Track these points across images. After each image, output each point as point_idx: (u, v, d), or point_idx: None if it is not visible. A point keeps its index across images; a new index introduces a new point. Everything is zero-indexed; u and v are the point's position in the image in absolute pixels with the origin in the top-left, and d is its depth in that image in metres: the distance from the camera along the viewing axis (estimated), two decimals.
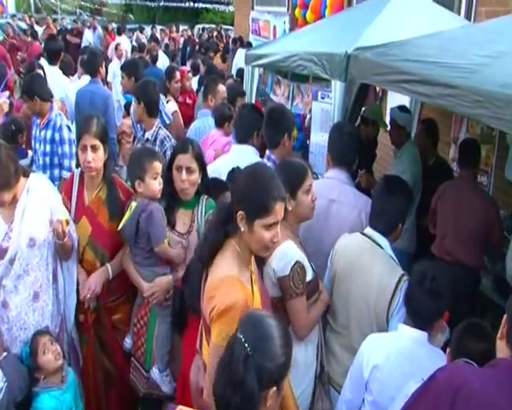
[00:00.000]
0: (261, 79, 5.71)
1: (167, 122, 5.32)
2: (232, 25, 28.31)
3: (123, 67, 5.42)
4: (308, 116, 6.78)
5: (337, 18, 4.68)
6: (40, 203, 2.88)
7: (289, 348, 1.66)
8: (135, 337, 3.08)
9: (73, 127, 6.08)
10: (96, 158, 2.94)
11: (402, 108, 4.44)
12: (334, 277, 2.68)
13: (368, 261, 2.56)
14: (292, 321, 2.47)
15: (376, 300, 2.50)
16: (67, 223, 2.81)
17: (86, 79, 6.71)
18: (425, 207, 4.16)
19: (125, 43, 12.95)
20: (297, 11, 10.43)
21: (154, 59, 9.84)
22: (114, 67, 9.54)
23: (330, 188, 2.95)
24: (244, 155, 3.69)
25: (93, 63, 6.04)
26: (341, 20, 4.36)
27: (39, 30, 16.69)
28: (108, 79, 9.93)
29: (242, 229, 2.02)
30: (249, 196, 2.01)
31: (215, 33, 18.50)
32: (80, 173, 3.11)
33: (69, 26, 18.82)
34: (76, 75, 7.70)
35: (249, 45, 12.32)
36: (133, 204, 2.91)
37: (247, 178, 2.08)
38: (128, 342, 3.12)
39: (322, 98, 3.65)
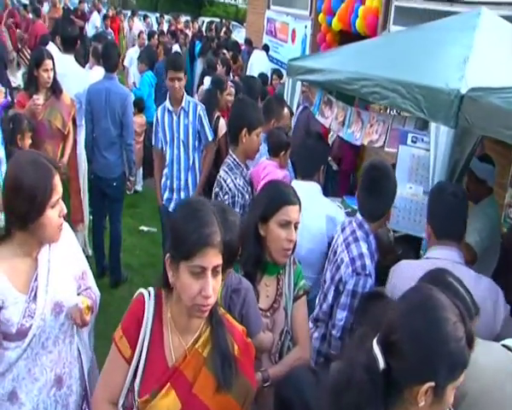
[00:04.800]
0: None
1: (209, 139, 4.72)
2: (236, 20, 27.88)
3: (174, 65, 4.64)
4: (334, 136, 6.22)
5: (409, 37, 4.03)
6: (66, 253, 2.20)
7: None
8: None
9: (83, 129, 5.44)
10: (217, 287, 1.72)
11: (483, 158, 3.68)
12: (462, 399, 2.03)
13: None
14: None
15: None
16: (89, 310, 2.16)
17: (99, 71, 6.00)
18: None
19: (139, 27, 12.38)
20: (321, 16, 9.82)
21: (169, 52, 9.19)
22: (133, 54, 8.92)
23: None
24: (309, 195, 3.09)
25: (112, 56, 5.24)
26: (419, 42, 3.71)
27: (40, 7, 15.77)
28: (125, 64, 9.38)
29: (422, 404, 1.32)
30: (448, 354, 1.30)
31: (224, 29, 17.70)
32: (157, 297, 1.80)
33: (71, 7, 17.86)
34: (87, 66, 6.95)
35: (266, 48, 11.69)
36: None
37: (435, 322, 1.32)
38: None
39: (414, 142, 2.98)
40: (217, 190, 3.30)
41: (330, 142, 6.26)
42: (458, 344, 1.32)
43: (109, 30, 12.37)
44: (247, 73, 10.26)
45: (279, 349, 2.36)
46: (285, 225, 2.31)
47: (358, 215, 2.91)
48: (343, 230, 2.93)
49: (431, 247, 2.47)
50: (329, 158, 5.78)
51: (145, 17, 17.37)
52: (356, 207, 4.29)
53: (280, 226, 2.31)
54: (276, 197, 2.36)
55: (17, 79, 11.19)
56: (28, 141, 4.26)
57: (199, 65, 12.29)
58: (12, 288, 2.01)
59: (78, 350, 2.27)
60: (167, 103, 4.71)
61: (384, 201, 2.83)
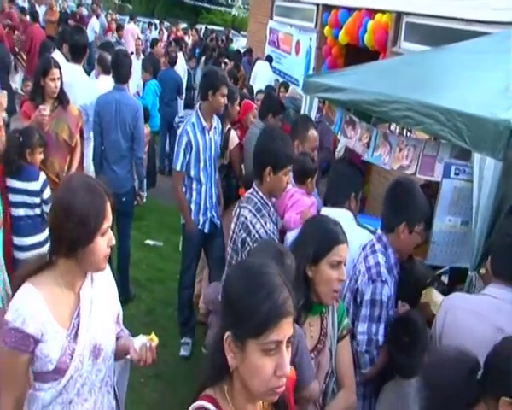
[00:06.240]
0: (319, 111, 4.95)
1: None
2: (233, 28, 27.84)
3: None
4: (341, 152, 6.10)
5: (438, 58, 3.91)
6: (107, 295, 2.06)
7: None
8: None
9: (91, 141, 5.26)
10: (289, 361, 1.43)
11: None
12: None
13: None
14: None
15: None
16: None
17: (106, 80, 5.83)
18: None
19: (135, 31, 12.24)
20: (327, 29, 9.76)
21: (173, 60, 9.05)
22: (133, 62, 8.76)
23: (496, 311, 2.17)
24: (342, 224, 2.96)
25: (123, 66, 5.07)
26: (450, 64, 3.61)
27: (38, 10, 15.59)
28: None
29: None
30: None
31: (223, 37, 17.64)
32: (215, 405, 1.46)
33: (69, 10, 17.71)
34: (92, 74, 6.78)
35: (269, 58, 11.60)
36: None
37: None
38: None
39: (456, 174, 2.85)
40: (243, 235, 2.96)
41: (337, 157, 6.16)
42: None
43: (122, 40, 12.03)
44: (251, 84, 10.15)
45: (323, 392, 2.24)
46: (336, 266, 2.22)
47: (379, 230, 2.88)
48: (364, 247, 2.89)
49: (490, 285, 2.36)
50: None
51: (149, 24, 17.21)
52: (369, 226, 4.23)
53: (331, 267, 2.22)
54: (327, 237, 2.25)
55: (15, 82, 11.04)
56: (39, 156, 4.04)
57: (198, 74, 12.20)
58: (53, 320, 1.85)
59: (116, 400, 2.12)
60: (201, 120, 4.40)
61: (399, 212, 2.75)
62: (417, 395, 1.61)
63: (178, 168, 4.39)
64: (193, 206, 4.48)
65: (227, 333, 1.40)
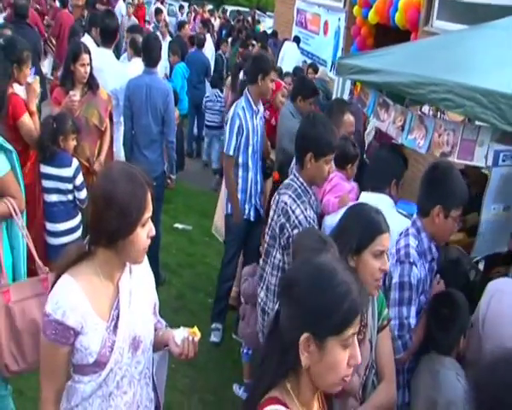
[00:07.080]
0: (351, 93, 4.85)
1: None
2: (258, 8, 27.54)
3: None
4: (371, 136, 5.98)
5: (477, 37, 3.78)
6: (145, 284, 2.03)
7: None
8: None
9: (121, 126, 5.26)
10: None
11: None
12: None
13: None
14: None
15: None
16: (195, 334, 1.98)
17: (137, 63, 5.79)
18: None
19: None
20: (356, 9, 9.55)
21: (201, 42, 8.99)
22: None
23: None
24: (383, 211, 2.90)
25: (153, 50, 5.01)
26: (490, 43, 3.47)
27: None
28: None
29: None
30: None
31: (249, 18, 17.48)
32: (282, 405, 1.47)
33: None
34: (123, 57, 6.76)
35: (297, 39, 11.46)
36: None
37: None
38: None
39: (504, 161, 2.75)
40: (282, 220, 2.95)
41: (367, 141, 6.04)
42: None
43: (161, 24, 11.90)
44: (279, 65, 10.04)
45: (363, 384, 2.20)
46: (379, 255, 2.18)
47: (415, 215, 2.83)
48: (401, 233, 2.84)
49: None
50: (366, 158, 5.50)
51: (181, 7, 17.11)
52: (402, 211, 4.16)
53: (374, 257, 2.18)
54: (370, 227, 2.21)
55: (44, 67, 11.14)
56: (72, 143, 4.05)
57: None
58: (93, 312, 1.84)
59: (155, 391, 2.11)
60: (251, 104, 4.31)
61: (433, 195, 2.69)
62: (467, 398, 1.52)
63: (231, 153, 4.27)
64: (239, 195, 4.37)
65: (305, 335, 1.38)
